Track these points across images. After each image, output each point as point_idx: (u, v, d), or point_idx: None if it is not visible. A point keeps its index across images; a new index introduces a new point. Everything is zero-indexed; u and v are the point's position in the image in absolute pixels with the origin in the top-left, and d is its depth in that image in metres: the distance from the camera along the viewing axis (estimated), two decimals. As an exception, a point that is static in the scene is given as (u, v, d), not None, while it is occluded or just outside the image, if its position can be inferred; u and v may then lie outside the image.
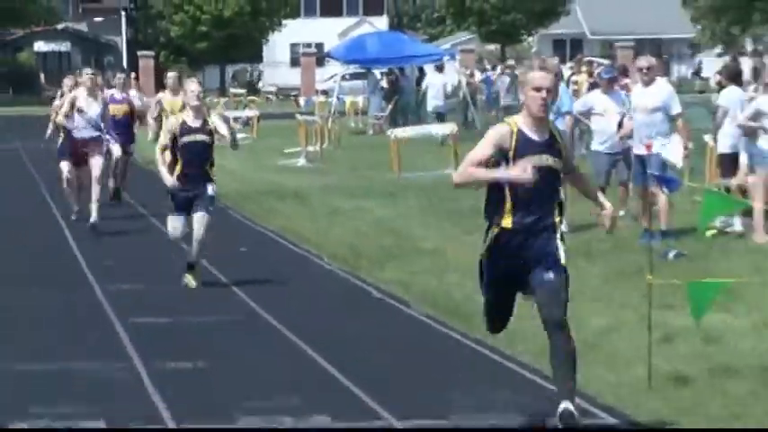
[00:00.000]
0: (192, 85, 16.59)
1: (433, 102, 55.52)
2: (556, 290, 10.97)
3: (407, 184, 32.58)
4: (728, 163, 24.15)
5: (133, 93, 35.58)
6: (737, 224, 23.03)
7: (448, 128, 45.54)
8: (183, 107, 18.52)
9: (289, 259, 21.91)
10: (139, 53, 71.91)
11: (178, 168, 16.35)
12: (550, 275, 10.96)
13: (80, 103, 24.50)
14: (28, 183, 37.37)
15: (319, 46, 74.27)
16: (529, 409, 12.94)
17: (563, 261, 11.08)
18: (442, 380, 13.99)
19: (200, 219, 16.86)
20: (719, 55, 51.75)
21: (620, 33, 73.73)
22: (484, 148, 10.84)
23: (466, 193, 29.95)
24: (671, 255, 20.02)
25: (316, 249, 22.52)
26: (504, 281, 11.26)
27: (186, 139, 15.99)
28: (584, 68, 47.33)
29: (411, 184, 32.88)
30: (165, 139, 16.86)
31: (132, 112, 31.16)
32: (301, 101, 68.26)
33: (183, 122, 16.12)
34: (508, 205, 10.94)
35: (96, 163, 24.39)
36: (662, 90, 23.21)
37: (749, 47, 42.19)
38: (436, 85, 56.82)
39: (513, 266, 11.09)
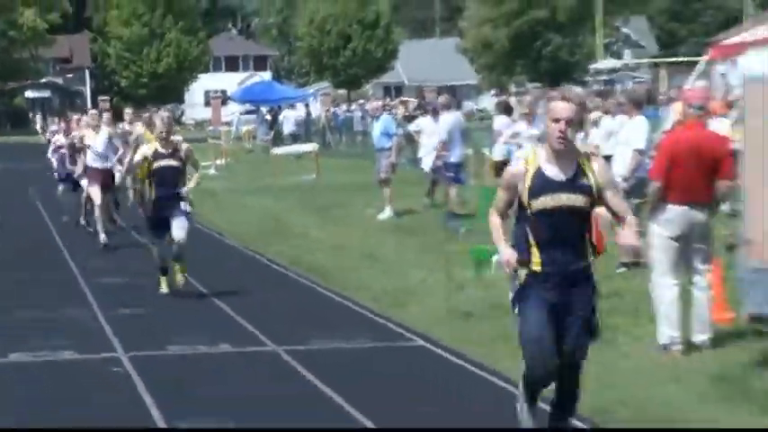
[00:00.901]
0: (161, 117, 14.81)
1: (290, 128, 57.07)
2: (585, 347, 7.82)
3: (284, 186, 32.48)
4: (501, 167, 24.30)
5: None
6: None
7: (311, 147, 45.70)
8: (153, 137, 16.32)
9: (203, 239, 20.98)
10: (99, 98, 70.88)
11: (153, 193, 14.30)
12: (582, 337, 7.77)
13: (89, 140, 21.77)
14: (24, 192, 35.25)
15: (224, 91, 73.41)
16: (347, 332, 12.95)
17: (597, 318, 7.85)
18: (303, 314, 14.01)
19: (179, 223, 14.34)
20: (494, 95, 51.86)
21: (428, 81, 73.69)
22: (503, 193, 7.77)
23: (326, 192, 30.38)
24: (461, 230, 20.16)
25: (221, 231, 22.46)
26: (544, 312, 7.62)
27: (158, 164, 14.09)
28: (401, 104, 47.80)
29: (286, 186, 32.76)
30: (137, 157, 14.91)
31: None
32: (210, 128, 67.91)
33: (156, 150, 14.25)
34: (533, 247, 7.66)
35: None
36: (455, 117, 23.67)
37: (513, 89, 42.54)
38: (290, 118, 58.45)
39: (550, 302, 7.61)
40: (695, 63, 30.28)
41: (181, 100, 71.25)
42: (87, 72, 75.72)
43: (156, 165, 14.02)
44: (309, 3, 79.53)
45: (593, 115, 23.60)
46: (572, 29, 66.53)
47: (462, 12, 78.40)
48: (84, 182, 22.40)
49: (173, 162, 14.04)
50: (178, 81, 72.21)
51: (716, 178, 11.16)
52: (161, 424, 9.37)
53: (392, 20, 77.38)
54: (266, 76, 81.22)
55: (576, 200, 7.52)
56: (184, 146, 14.32)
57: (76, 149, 24.04)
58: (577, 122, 7.62)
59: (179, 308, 14.47)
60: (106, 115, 24.74)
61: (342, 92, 70.70)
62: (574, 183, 7.51)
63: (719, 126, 15.43)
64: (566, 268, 7.63)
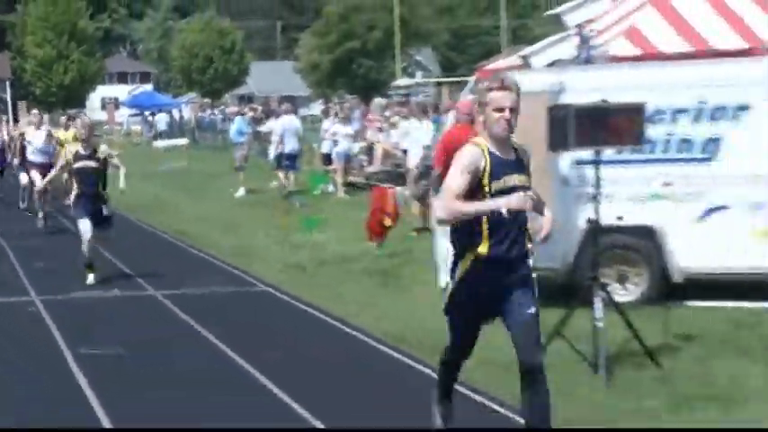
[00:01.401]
0: (82, 122, 13.19)
1: (162, 127, 55.81)
2: (534, 330, 6.00)
3: (164, 173, 32.07)
4: (326, 158, 24.33)
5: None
6: (331, 188, 23.23)
7: (183, 141, 45.21)
8: (76, 138, 14.07)
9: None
10: (18, 103, 68.64)
11: (76, 188, 12.66)
12: (529, 313, 5.97)
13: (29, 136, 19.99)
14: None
15: (116, 99, 72.13)
16: (210, 280, 13.28)
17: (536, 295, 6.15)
18: (175, 267, 13.77)
19: (99, 234, 12.65)
20: (321, 104, 52.01)
21: (272, 92, 73.12)
22: (462, 176, 5.86)
23: (194, 176, 30.14)
24: (297, 204, 20.22)
25: (116, 205, 22.07)
26: (477, 308, 6.12)
27: (79, 164, 12.45)
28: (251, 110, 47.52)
29: (164, 172, 32.35)
30: (61, 161, 13.66)
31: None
32: (106, 127, 66.66)
33: (77, 152, 12.55)
34: (485, 232, 5.94)
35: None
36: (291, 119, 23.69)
37: (335, 100, 42.67)
38: (162, 119, 57.36)
39: (489, 294, 6.01)
40: (467, 82, 30.76)
41: (83, 105, 69.20)
42: (8, 83, 73.08)
43: (76, 165, 12.47)
44: (182, 33, 79.05)
45: (394, 119, 23.89)
46: (378, 55, 66.90)
47: (297, 41, 78.23)
48: (23, 175, 21.10)
49: (91, 163, 12.39)
50: (81, 91, 69.99)
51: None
52: (67, 353, 9.24)
53: (244, 46, 76.79)
54: (149, 87, 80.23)
55: (525, 181, 6.01)
56: (103, 147, 12.81)
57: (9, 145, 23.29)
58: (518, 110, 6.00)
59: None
60: (46, 116, 23.78)
61: (207, 100, 69.88)
62: (518, 164, 6.04)
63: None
64: (512, 252, 5.95)
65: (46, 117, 23.10)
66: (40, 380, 8.39)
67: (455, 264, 6.17)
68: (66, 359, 9.00)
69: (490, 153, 5.93)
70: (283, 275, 13.01)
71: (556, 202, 9.96)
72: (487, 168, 5.89)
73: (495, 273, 5.96)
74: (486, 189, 5.91)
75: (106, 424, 7.13)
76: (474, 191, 5.88)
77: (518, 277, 6.00)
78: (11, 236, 17.29)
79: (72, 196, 12.86)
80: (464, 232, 6.03)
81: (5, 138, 24.63)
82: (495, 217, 5.83)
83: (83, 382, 8.23)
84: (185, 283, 12.64)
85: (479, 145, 5.98)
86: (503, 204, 5.75)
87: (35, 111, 24.06)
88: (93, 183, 12.48)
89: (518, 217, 5.94)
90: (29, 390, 8.12)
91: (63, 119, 26.92)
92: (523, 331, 5.92)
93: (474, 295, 6.04)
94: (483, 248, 5.93)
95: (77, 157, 12.49)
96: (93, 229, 12.45)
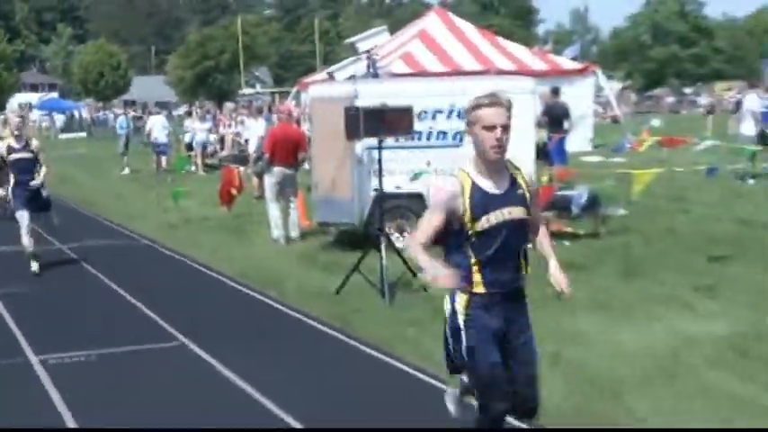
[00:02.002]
0: (14, 119, 10.48)
1: (59, 124, 52.06)
2: (536, 377, 3.86)
3: (68, 157, 30.10)
4: (188, 146, 23.60)
5: None
6: (193, 168, 22.53)
7: (83, 134, 42.95)
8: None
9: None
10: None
11: (12, 179, 10.12)
12: (531, 359, 3.84)
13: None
14: None
15: (30, 103, 67.58)
16: (104, 235, 12.61)
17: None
18: (78, 226, 12.80)
19: (42, 218, 10.65)
20: (186, 107, 50.67)
21: (150, 98, 70.47)
22: (435, 215, 3.71)
23: (91, 160, 28.73)
24: (169, 180, 19.43)
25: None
26: (493, 336, 3.75)
27: (13, 156, 10.01)
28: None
29: (69, 156, 30.34)
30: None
31: None
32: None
33: (9, 145, 10.10)
34: (474, 267, 3.71)
35: None
36: (162, 118, 22.88)
37: (197, 104, 41.28)
38: (59, 119, 53.25)
39: (494, 328, 3.74)
40: (291, 92, 30.56)
41: (4, 108, 64.93)
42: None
43: (11, 157, 10.13)
44: (80, 54, 75.93)
45: (240, 118, 23.36)
46: (228, 72, 65.70)
47: (167, 61, 75.78)
48: None
49: (25, 154, 10.10)
50: (2, 98, 65.54)
51: (298, 152, 11.25)
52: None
53: (128, 65, 73.61)
54: (55, 95, 75.68)
55: (519, 212, 3.75)
56: (35, 142, 10.40)
57: None
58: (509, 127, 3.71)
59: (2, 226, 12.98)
60: None
61: (100, 104, 66.83)
62: (511, 194, 3.74)
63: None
64: (509, 286, 3.79)
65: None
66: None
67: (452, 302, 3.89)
68: (-12, 300, 8.33)
69: (474, 187, 3.72)
70: (159, 232, 12.49)
71: (354, 177, 10.01)
72: (468, 206, 3.71)
73: (494, 306, 3.79)
74: (469, 230, 3.74)
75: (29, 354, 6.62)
76: (458, 230, 3.77)
77: (520, 320, 3.88)
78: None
79: (9, 188, 10.31)
80: (461, 268, 3.74)
81: None
82: (482, 250, 3.74)
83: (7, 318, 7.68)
84: (85, 238, 12.01)
85: (460, 179, 3.75)
86: (429, 275, 3.64)
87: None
88: (29, 171, 10.19)
89: (512, 248, 3.78)
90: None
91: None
92: (526, 378, 3.86)
93: (484, 324, 3.80)
94: (477, 286, 3.76)
95: (11, 150, 10.24)
96: (37, 215, 10.26)
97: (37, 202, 10.04)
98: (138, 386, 5.70)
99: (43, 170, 10.16)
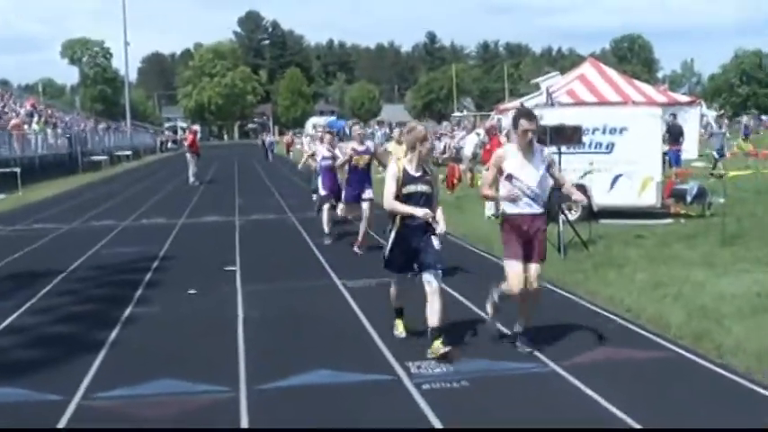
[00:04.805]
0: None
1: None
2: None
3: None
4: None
5: None
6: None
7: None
8: None
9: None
10: None
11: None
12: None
13: None
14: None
15: (319, 124, 69.51)
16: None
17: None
18: None
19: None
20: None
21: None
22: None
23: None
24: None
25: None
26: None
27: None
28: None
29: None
30: None
31: None
32: None
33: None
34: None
35: None
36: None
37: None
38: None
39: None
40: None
41: (303, 126, 69.44)
42: None
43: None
44: (350, 91, 78.41)
45: (454, 132, 23.78)
46: (445, 100, 66.09)
47: (405, 94, 76.83)
48: None
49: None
50: (302, 120, 70.07)
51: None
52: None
53: (380, 97, 75.62)
54: (334, 117, 78.73)
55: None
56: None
57: None
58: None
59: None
60: None
61: (362, 123, 68.28)
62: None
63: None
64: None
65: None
66: None
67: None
68: None
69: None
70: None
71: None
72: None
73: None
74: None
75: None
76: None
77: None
78: None
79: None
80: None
81: None
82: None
83: None
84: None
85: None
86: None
87: None
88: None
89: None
90: None
91: None
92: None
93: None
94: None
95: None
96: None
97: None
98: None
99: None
